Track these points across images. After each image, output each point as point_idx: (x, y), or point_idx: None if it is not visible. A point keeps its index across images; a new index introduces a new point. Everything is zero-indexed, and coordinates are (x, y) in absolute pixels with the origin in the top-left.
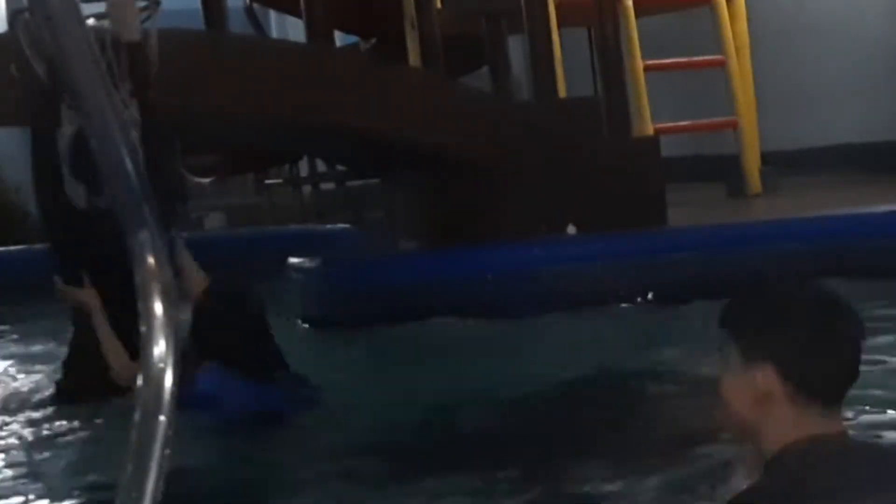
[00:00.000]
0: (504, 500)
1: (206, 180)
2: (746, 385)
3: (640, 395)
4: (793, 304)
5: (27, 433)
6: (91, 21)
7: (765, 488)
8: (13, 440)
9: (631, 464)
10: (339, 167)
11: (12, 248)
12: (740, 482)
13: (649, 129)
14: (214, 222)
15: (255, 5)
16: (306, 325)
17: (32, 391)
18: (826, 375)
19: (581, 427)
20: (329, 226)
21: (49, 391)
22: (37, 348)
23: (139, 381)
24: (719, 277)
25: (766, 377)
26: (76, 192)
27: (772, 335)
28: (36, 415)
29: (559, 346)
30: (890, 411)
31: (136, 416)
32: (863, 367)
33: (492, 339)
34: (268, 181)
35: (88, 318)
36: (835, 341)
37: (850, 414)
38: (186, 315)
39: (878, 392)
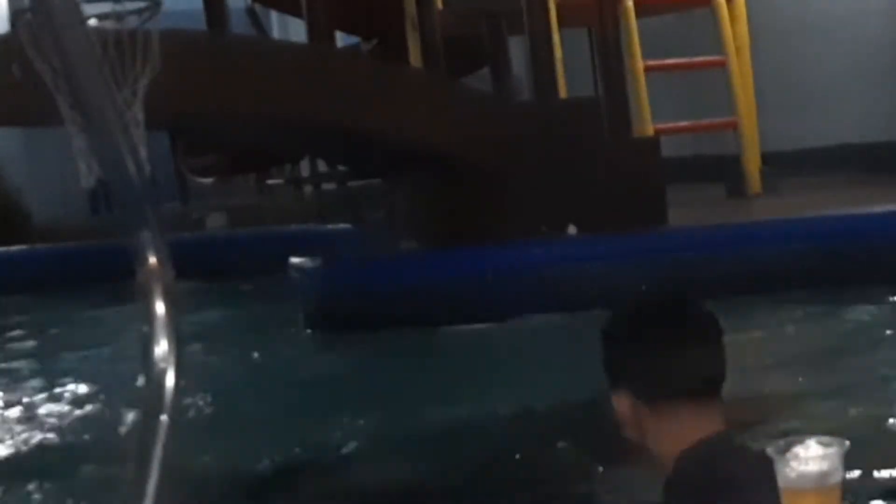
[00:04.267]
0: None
1: (208, 181)
2: (617, 412)
3: None
4: (628, 326)
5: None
6: (93, 21)
7: (675, 488)
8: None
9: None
10: (341, 167)
11: (12, 248)
12: None
13: (649, 129)
14: (216, 222)
15: (257, 6)
16: (307, 325)
17: (31, 387)
18: (681, 382)
19: (580, 427)
20: (330, 226)
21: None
22: (37, 347)
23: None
24: (719, 277)
25: (622, 403)
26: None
27: (615, 363)
28: (28, 410)
29: (558, 346)
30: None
31: (138, 416)
32: (861, 363)
33: (491, 339)
34: (269, 181)
35: None
36: (676, 349)
37: (852, 411)
38: None
39: (876, 389)
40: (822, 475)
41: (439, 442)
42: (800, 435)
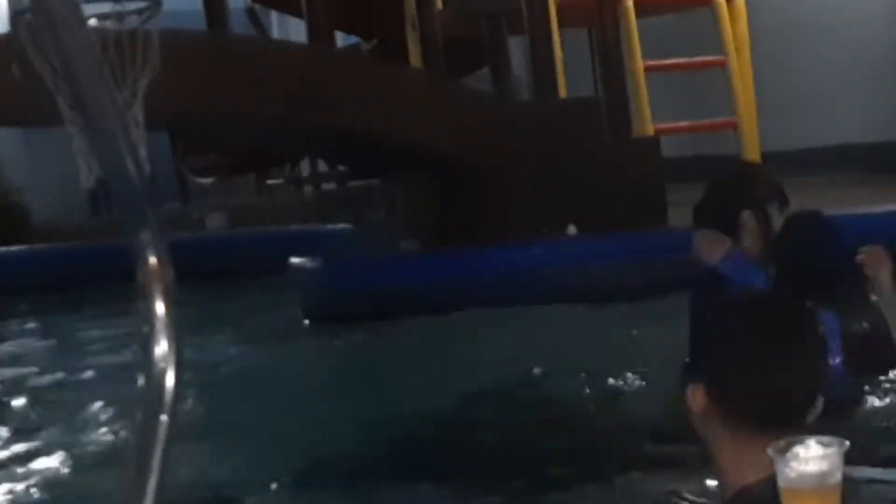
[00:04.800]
0: (503, 497)
1: (208, 181)
2: (689, 400)
3: (637, 394)
4: (736, 324)
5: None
6: (93, 21)
7: None
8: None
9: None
10: (341, 167)
11: (12, 248)
12: None
13: (649, 130)
14: (216, 222)
15: (257, 6)
16: (307, 325)
17: (29, 387)
18: (766, 404)
19: (578, 426)
20: (330, 226)
21: None
22: (36, 347)
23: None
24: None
25: (696, 397)
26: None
27: (707, 355)
28: (27, 409)
29: (558, 346)
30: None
31: (138, 416)
32: None
33: (490, 338)
34: (269, 181)
35: None
36: (774, 370)
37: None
38: None
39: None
40: (822, 475)
41: (438, 440)
42: (799, 435)
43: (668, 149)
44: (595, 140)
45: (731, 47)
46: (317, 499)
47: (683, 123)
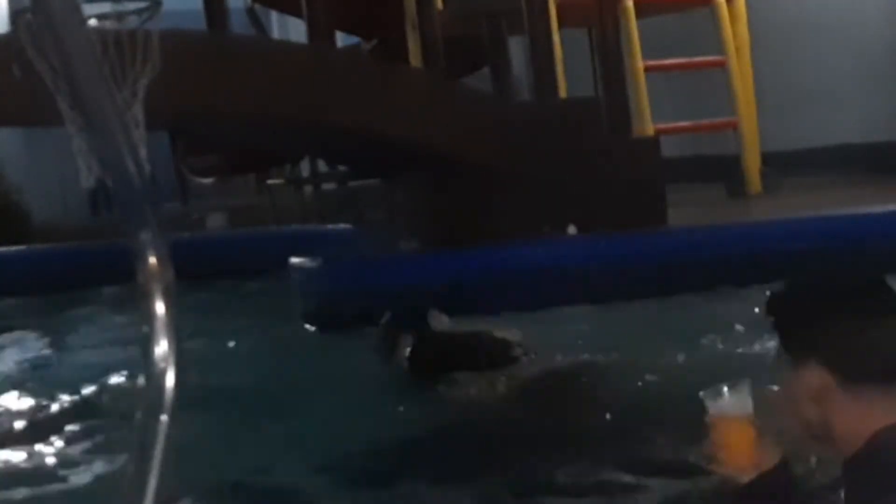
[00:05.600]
0: (503, 496)
1: (208, 181)
2: (800, 386)
3: (636, 393)
4: (829, 295)
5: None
6: (93, 21)
7: (865, 466)
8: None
9: (634, 462)
10: (341, 167)
11: (12, 248)
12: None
13: (649, 130)
14: (216, 222)
15: (257, 6)
16: (307, 325)
17: (29, 388)
18: (880, 359)
19: (580, 427)
20: (330, 226)
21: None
22: (37, 347)
23: None
24: (719, 278)
25: (814, 374)
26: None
27: (811, 330)
28: (27, 410)
29: (556, 346)
30: None
31: (138, 416)
32: None
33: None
34: (269, 181)
35: None
36: (879, 324)
37: None
38: None
39: None
40: (738, 406)
41: (437, 439)
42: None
43: (668, 149)
44: (595, 140)
45: (731, 47)
46: (318, 499)
47: (683, 123)
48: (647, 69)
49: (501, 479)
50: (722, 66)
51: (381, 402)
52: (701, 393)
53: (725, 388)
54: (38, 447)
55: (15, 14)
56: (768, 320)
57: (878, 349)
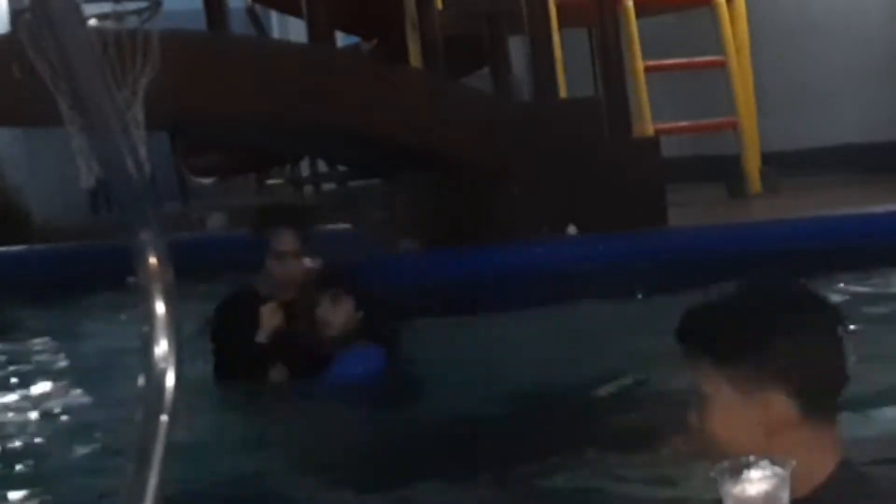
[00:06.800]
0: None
1: (208, 181)
2: (752, 416)
3: (635, 397)
4: (785, 314)
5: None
6: (93, 21)
7: None
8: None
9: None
10: (341, 167)
11: (12, 248)
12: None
13: (649, 130)
14: (216, 222)
15: (257, 6)
16: None
17: (29, 387)
18: (832, 386)
19: (580, 427)
20: (330, 226)
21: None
22: (37, 347)
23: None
24: (719, 278)
25: (777, 403)
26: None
27: (772, 352)
28: (27, 410)
29: (557, 347)
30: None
31: (138, 416)
32: (865, 369)
33: (491, 337)
34: (269, 181)
35: None
36: (829, 345)
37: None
38: None
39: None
40: (769, 497)
41: (438, 439)
42: (744, 455)
43: (668, 149)
44: (595, 140)
45: (731, 47)
46: (321, 499)
47: (683, 123)
48: (647, 69)
49: (498, 483)
50: (722, 66)
51: (379, 405)
52: (712, 471)
53: (748, 468)
54: (38, 447)
55: (15, 14)
56: (683, 347)
57: (838, 371)
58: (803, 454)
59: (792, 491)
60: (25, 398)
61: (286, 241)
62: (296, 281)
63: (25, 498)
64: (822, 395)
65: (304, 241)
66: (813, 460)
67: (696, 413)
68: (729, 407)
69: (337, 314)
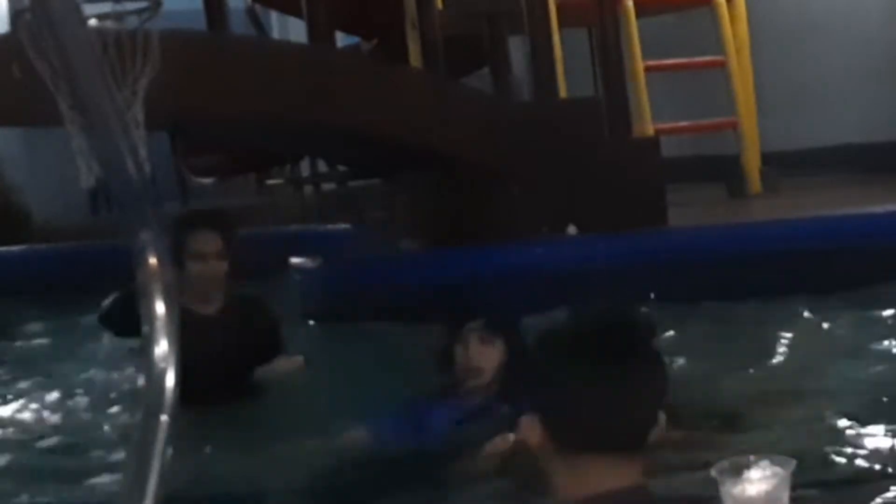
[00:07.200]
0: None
1: (208, 181)
2: (522, 431)
3: None
4: (566, 350)
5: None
6: (93, 21)
7: None
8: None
9: None
10: (341, 167)
11: (12, 248)
12: None
13: (649, 130)
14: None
15: (257, 6)
16: (307, 325)
17: (29, 387)
18: (608, 436)
19: None
20: (330, 226)
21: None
22: (36, 348)
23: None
24: (719, 278)
25: (531, 429)
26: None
27: (535, 384)
28: (27, 410)
29: None
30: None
31: (138, 416)
32: (862, 369)
33: None
34: (269, 181)
35: None
36: (608, 394)
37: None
38: None
39: (876, 397)
40: (769, 497)
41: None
42: (744, 454)
43: (668, 149)
44: (595, 140)
45: (731, 47)
46: (319, 499)
47: (683, 123)
48: (647, 69)
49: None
50: (722, 66)
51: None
52: (712, 469)
53: (748, 467)
54: (36, 447)
55: (15, 14)
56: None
57: (601, 418)
58: (560, 484)
59: None
60: (25, 398)
61: (206, 240)
62: (217, 285)
63: (25, 498)
64: (580, 442)
65: (226, 243)
66: (570, 493)
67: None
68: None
69: (488, 358)
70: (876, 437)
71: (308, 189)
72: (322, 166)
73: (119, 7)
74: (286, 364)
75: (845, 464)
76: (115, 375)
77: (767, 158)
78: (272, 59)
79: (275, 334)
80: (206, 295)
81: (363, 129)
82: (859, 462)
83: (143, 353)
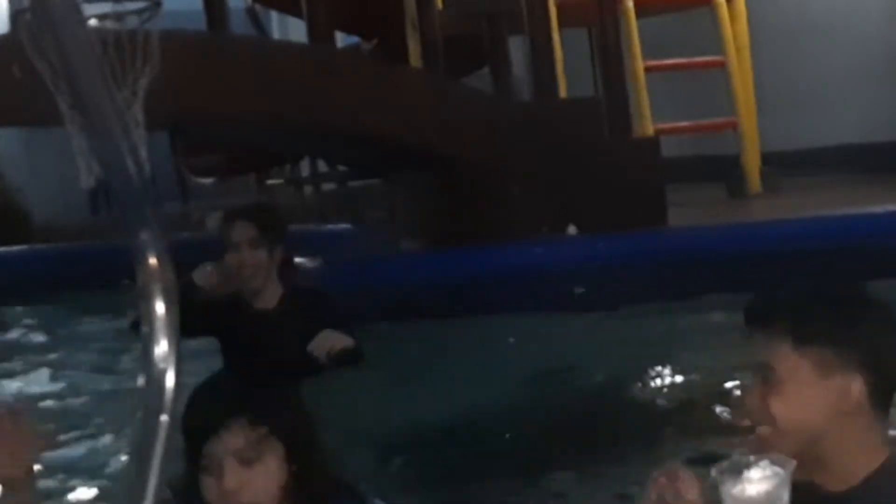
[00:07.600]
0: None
1: (208, 181)
2: (827, 397)
3: (639, 396)
4: (866, 306)
5: None
6: (93, 21)
7: None
8: None
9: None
10: (341, 167)
11: (12, 248)
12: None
13: (649, 130)
14: (216, 222)
15: (257, 6)
16: None
17: (29, 387)
18: (894, 379)
19: (582, 429)
20: (330, 226)
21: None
22: (37, 347)
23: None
24: (719, 278)
25: (855, 387)
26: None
27: (860, 340)
28: (27, 410)
29: (558, 348)
30: None
31: (139, 416)
32: None
33: (492, 339)
34: (269, 181)
35: None
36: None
37: None
38: None
39: None
40: (769, 497)
41: (439, 440)
42: (744, 455)
43: (668, 149)
44: (595, 140)
45: (731, 47)
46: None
47: (683, 123)
48: (647, 69)
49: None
50: (722, 66)
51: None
52: (713, 469)
53: (748, 468)
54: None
55: (15, 14)
56: (757, 327)
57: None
58: (860, 441)
59: (843, 480)
60: (25, 398)
61: (239, 230)
62: (258, 275)
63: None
64: (888, 386)
65: (262, 232)
66: (867, 449)
67: (758, 392)
68: (803, 388)
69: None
70: None
71: (308, 189)
72: (322, 166)
73: (119, 7)
74: (334, 338)
75: None
76: (115, 375)
77: (767, 158)
78: (272, 59)
79: (337, 329)
80: (254, 287)
81: (363, 128)
82: None
83: (143, 353)
